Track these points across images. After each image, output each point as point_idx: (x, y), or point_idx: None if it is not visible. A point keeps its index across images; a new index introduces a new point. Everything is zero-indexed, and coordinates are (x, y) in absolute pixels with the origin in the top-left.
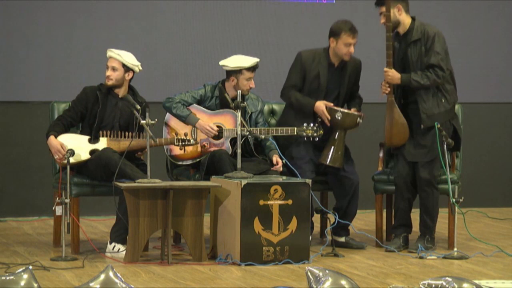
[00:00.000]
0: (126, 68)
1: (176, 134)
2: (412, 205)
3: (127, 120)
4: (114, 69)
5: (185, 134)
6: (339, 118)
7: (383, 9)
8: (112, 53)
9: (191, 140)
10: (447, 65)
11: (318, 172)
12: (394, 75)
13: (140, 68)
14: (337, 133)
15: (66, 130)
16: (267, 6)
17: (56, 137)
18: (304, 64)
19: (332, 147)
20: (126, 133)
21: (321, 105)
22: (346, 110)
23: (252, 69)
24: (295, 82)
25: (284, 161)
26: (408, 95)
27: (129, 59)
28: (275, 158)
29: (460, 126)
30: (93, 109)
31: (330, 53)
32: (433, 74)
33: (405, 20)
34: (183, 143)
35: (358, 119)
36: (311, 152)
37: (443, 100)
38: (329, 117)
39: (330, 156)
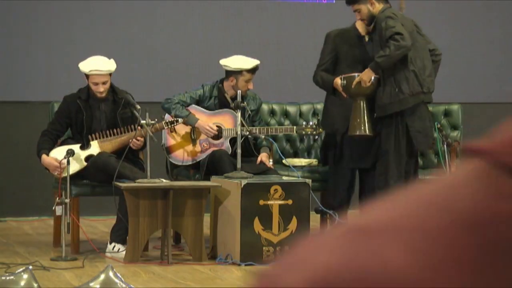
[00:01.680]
0: (110, 74)
1: (176, 133)
2: None
3: (112, 119)
4: (105, 83)
5: (172, 116)
6: (344, 85)
7: (356, 7)
8: (101, 71)
9: (179, 120)
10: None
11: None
12: (363, 76)
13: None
14: (355, 102)
15: (55, 143)
16: (267, 6)
17: (47, 154)
18: (333, 40)
19: (352, 117)
20: (114, 130)
21: (336, 80)
22: (349, 74)
23: (253, 71)
24: (324, 62)
25: (283, 160)
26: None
27: (113, 65)
28: (261, 157)
29: (414, 125)
30: (78, 118)
31: (357, 25)
32: (393, 42)
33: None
34: (172, 124)
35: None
36: None
37: (396, 90)
38: (340, 89)
39: (351, 126)
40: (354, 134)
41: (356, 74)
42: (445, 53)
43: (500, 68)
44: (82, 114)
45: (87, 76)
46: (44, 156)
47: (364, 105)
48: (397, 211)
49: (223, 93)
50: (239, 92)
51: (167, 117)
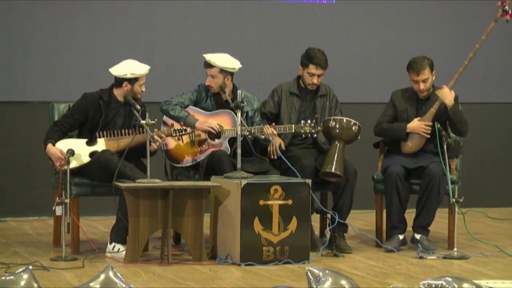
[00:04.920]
0: None
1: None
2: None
3: (127, 125)
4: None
5: (181, 125)
6: (332, 126)
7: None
8: (148, 71)
9: (187, 129)
10: None
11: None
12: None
13: None
14: (336, 143)
15: (63, 136)
16: (267, 6)
17: (54, 144)
18: (393, 101)
19: (327, 155)
20: (123, 131)
21: (415, 122)
22: (342, 118)
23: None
24: (387, 115)
25: (283, 159)
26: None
27: None
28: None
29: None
30: (95, 118)
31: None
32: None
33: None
34: (180, 133)
35: (354, 127)
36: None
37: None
38: (425, 129)
39: (324, 162)
40: (325, 170)
41: (351, 120)
42: (445, 53)
43: (500, 68)
44: (100, 115)
45: (135, 79)
46: (50, 146)
47: (340, 147)
48: None
49: (223, 93)
50: (239, 92)
51: (172, 123)
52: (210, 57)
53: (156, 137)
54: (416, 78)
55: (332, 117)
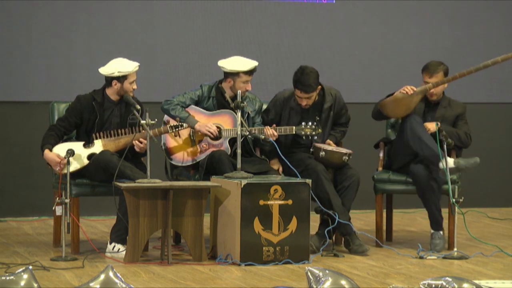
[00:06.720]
0: None
1: (176, 134)
2: None
3: (123, 124)
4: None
5: (177, 120)
6: (323, 156)
7: (311, 94)
8: (137, 68)
9: (184, 124)
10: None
11: None
12: None
13: None
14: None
15: (60, 140)
16: (267, 6)
17: (51, 150)
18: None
19: None
20: (120, 131)
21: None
22: (331, 148)
23: (250, 72)
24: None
25: (284, 161)
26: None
27: None
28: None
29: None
30: (90, 119)
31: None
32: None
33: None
34: (176, 128)
35: (344, 157)
36: None
37: None
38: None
39: None
40: None
41: (342, 151)
42: (445, 53)
43: (501, 68)
44: (95, 116)
45: (123, 77)
46: (47, 151)
47: (330, 176)
48: None
49: (222, 93)
50: (239, 92)
51: (168, 120)
52: (254, 63)
53: (135, 141)
54: (428, 80)
55: (323, 148)
